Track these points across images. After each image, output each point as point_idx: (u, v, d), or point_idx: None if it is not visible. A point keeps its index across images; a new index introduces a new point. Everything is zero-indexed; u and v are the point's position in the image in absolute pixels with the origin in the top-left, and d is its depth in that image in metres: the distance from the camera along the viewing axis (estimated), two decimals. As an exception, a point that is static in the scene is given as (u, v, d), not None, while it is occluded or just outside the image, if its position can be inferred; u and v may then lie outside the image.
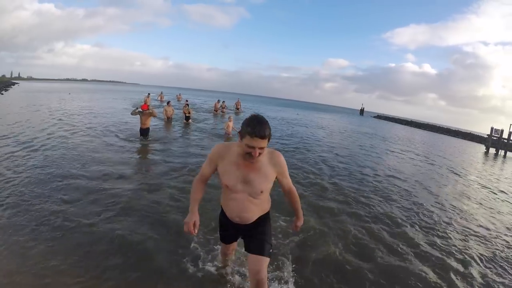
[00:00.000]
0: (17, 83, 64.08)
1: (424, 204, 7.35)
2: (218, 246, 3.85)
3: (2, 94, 30.11)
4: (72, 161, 7.53)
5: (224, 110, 26.67)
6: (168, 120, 16.77)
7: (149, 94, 27.86)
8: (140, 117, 10.90)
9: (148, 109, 10.85)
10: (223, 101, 27.62)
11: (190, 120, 17.26)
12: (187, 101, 31.87)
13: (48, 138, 10.03)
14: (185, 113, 17.35)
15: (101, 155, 8.41)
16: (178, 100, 36.79)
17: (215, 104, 26.80)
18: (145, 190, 5.99)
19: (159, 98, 34.97)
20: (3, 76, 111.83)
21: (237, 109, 30.32)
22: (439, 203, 7.69)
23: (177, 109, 23.01)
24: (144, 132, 11.19)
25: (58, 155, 7.97)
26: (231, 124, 13.80)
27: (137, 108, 11.16)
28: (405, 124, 58.28)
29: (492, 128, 28.56)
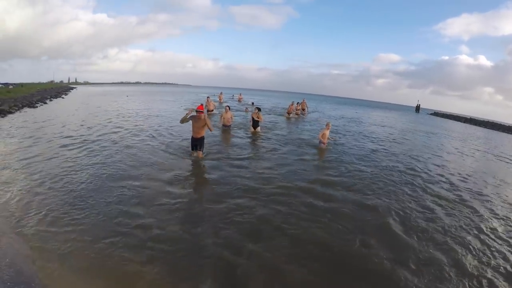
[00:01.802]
0: (75, 87, 69.43)
1: None
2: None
3: (63, 98, 31.43)
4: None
5: (305, 112, 24.36)
6: (226, 128, 13.57)
7: (208, 97, 25.57)
8: (192, 123, 8.37)
9: (202, 112, 8.21)
10: (297, 103, 24.22)
11: (259, 128, 13.96)
12: (253, 103, 30.91)
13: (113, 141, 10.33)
14: (253, 118, 13.98)
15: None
16: (239, 101, 34.90)
17: (290, 107, 22.80)
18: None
19: (218, 100, 30.94)
20: (61, 81, 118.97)
21: (303, 110, 25.91)
22: None
23: (237, 110, 22.14)
24: (197, 142, 8.65)
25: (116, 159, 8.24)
26: (327, 133, 11.39)
27: (187, 115, 8.26)
28: (464, 122, 53.43)
29: None
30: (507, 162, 14.25)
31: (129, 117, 16.65)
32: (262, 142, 12.07)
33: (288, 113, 22.38)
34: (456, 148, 16.65)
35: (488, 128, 44.77)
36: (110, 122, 14.39)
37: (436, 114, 72.43)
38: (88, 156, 8.20)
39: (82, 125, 12.97)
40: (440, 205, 6.70)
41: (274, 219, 5.22)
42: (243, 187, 6.68)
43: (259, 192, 6.41)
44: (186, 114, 8.26)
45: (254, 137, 12.99)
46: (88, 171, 6.96)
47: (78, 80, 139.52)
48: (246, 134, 13.36)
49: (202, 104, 9.00)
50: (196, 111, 8.23)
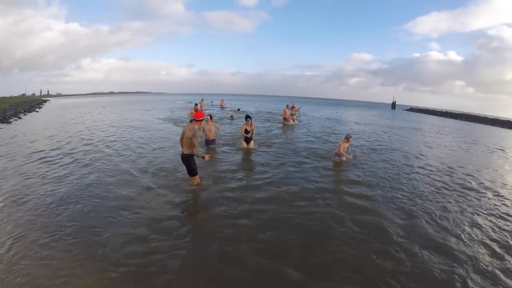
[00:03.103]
0: (48, 100, 66.99)
1: None
2: None
3: (37, 111, 30.16)
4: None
5: (294, 116, 21.38)
6: (210, 144, 10.95)
7: (196, 104, 24.54)
8: (203, 127, 9.11)
9: (200, 121, 6.34)
10: (293, 103, 22.71)
11: (252, 143, 11.04)
12: (239, 109, 29.99)
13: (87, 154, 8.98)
14: (246, 130, 10.68)
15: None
16: (222, 108, 33.55)
17: (285, 111, 20.62)
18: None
19: (200, 107, 27.55)
20: (33, 94, 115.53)
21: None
22: None
23: (220, 119, 21.01)
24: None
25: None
26: (346, 146, 9.80)
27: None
28: (440, 115, 54.90)
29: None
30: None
31: (113, 132, 15.95)
32: (261, 160, 9.59)
33: (285, 119, 20.12)
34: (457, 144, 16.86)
35: (464, 120, 46.04)
36: (93, 136, 13.70)
37: (412, 109, 73.71)
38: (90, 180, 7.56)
39: (67, 142, 12.13)
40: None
41: None
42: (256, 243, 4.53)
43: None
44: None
45: (248, 154, 10.41)
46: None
47: (50, 92, 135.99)
48: (236, 151, 10.68)
49: (198, 109, 6.96)
50: (194, 118, 6.32)
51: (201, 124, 6.48)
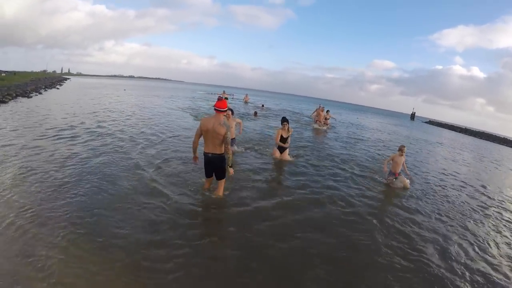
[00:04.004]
0: (68, 78, 67.58)
1: None
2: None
3: (58, 88, 30.29)
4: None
5: (327, 121, 19.05)
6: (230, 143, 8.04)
7: (224, 91, 24.26)
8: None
9: (223, 111, 4.97)
10: (328, 110, 19.76)
11: (287, 153, 8.78)
12: (263, 106, 28.95)
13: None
14: (282, 138, 8.49)
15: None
16: (245, 103, 32.00)
17: (320, 114, 18.57)
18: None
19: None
20: (54, 71, 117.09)
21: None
22: None
23: (243, 115, 20.15)
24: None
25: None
26: (401, 161, 7.91)
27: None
28: (459, 131, 53.95)
29: None
30: None
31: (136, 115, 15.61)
32: (296, 170, 8.05)
33: (320, 122, 18.31)
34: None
35: (483, 139, 45.14)
36: (119, 121, 13.28)
37: (431, 122, 72.53)
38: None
39: (84, 121, 11.70)
40: None
41: None
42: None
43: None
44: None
45: (281, 166, 8.35)
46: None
47: (71, 71, 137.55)
48: (267, 161, 8.50)
49: (223, 98, 5.32)
50: (215, 109, 4.93)
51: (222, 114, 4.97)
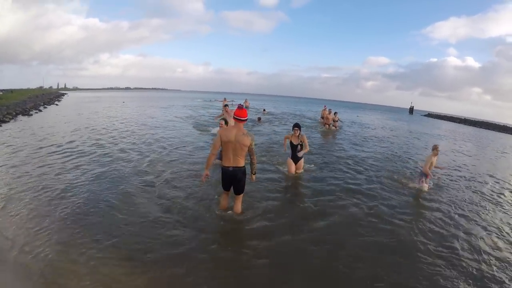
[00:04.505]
0: (66, 93, 68.00)
1: None
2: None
3: (57, 104, 30.20)
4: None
5: (336, 123, 18.83)
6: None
7: (225, 99, 24.37)
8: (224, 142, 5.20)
9: (243, 120, 4.55)
10: (335, 112, 19.27)
11: (302, 162, 7.72)
12: (264, 110, 29.02)
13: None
14: (292, 144, 7.43)
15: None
16: (246, 108, 30.69)
17: (327, 116, 18.17)
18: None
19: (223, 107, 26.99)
20: (50, 87, 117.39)
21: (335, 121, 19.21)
22: None
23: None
24: (234, 178, 5.48)
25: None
26: (434, 161, 7.42)
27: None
28: (458, 122, 54.51)
29: None
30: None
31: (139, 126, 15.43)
32: (316, 183, 7.27)
33: (327, 124, 18.01)
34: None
35: (482, 128, 45.58)
36: (122, 135, 13.16)
37: (430, 115, 72.65)
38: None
39: (90, 138, 11.62)
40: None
41: None
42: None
43: None
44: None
45: (296, 179, 7.46)
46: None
47: (67, 86, 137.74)
48: (279, 175, 7.62)
49: (242, 106, 4.69)
50: (235, 118, 4.53)
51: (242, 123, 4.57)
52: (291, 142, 7.46)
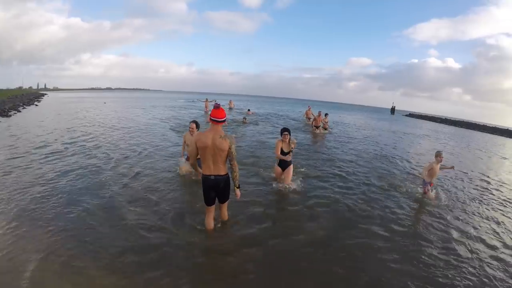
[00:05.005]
0: (46, 94, 66.43)
1: None
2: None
3: (36, 105, 29.41)
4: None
5: (326, 125, 18.57)
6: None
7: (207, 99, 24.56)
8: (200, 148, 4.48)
9: (221, 122, 4.05)
10: (326, 114, 19.08)
11: (291, 169, 6.84)
12: (249, 110, 28.14)
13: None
14: (283, 151, 6.69)
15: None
16: (230, 108, 30.53)
17: (317, 118, 17.46)
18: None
19: (204, 108, 26.55)
20: (30, 87, 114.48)
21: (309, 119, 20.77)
22: None
23: (230, 122, 19.46)
24: (218, 187, 4.40)
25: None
26: (437, 168, 6.87)
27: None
28: (439, 122, 55.74)
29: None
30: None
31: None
32: (308, 189, 6.92)
33: (316, 127, 17.39)
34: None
35: (463, 128, 46.74)
36: (99, 136, 12.78)
37: (412, 115, 73.93)
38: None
39: (68, 139, 11.27)
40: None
41: None
42: None
43: None
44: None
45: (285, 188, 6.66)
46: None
47: (48, 86, 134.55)
48: (267, 182, 7.09)
49: (219, 105, 4.09)
50: (211, 119, 3.99)
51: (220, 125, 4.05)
52: (281, 149, 6.69)
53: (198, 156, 4.10)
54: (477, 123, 57.36)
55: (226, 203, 4.47)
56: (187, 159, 6.35)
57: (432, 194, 6.89)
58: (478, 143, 23.52)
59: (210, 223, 4.44)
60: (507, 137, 37.04)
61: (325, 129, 18.18)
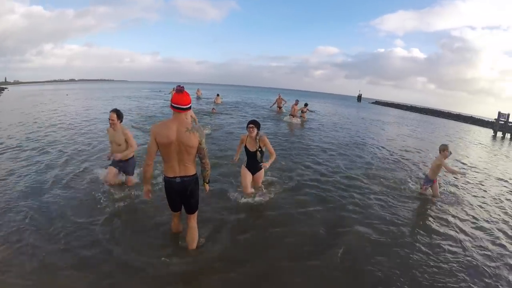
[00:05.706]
0: (6, 88, 61.46)
1: None
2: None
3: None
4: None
5: (304, 114, 17.88)
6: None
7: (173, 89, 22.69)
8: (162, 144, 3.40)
9: (186, 109, 3.11)
10: (306, 104, 18.34)
11: (262, 173, 5.32)
12: (218, 95, 27.08)
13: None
14: (248, 150, 5.10)
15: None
16: (198, 98, 28.84)
17: (294, 107, 16.75)
18: None
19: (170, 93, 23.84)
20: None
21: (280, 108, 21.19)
22: None
23: (198, 113, 17.33)
24: (185, 192, 3.39)
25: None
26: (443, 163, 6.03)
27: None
28: (405, 109, 57.74)
29: (499, 113, 27.54)
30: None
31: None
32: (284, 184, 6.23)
33: (292, 116, 16.59)
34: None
35: (428, 115, 48.65)
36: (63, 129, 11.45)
37: (378, 102, 75.83)
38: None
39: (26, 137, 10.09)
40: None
41: None
42: None
43: None
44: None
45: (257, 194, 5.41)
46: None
47: (8, 80, 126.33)
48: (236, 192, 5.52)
49: (182, 88, 3.09)
50: (173, 106, 3.07)
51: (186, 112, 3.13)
52: (246, 148, 5.13)
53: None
54: (442, 110, 59.37)
55: (195, 215, 3.50)
56: (113, 163, 5.25)
57: (432, 190, 6.33)
58: (445, 129, 24.45)
59: (175, 226, 3.79)
60: (470, 123, 38.85)
61: (303, 117, 17.49)
